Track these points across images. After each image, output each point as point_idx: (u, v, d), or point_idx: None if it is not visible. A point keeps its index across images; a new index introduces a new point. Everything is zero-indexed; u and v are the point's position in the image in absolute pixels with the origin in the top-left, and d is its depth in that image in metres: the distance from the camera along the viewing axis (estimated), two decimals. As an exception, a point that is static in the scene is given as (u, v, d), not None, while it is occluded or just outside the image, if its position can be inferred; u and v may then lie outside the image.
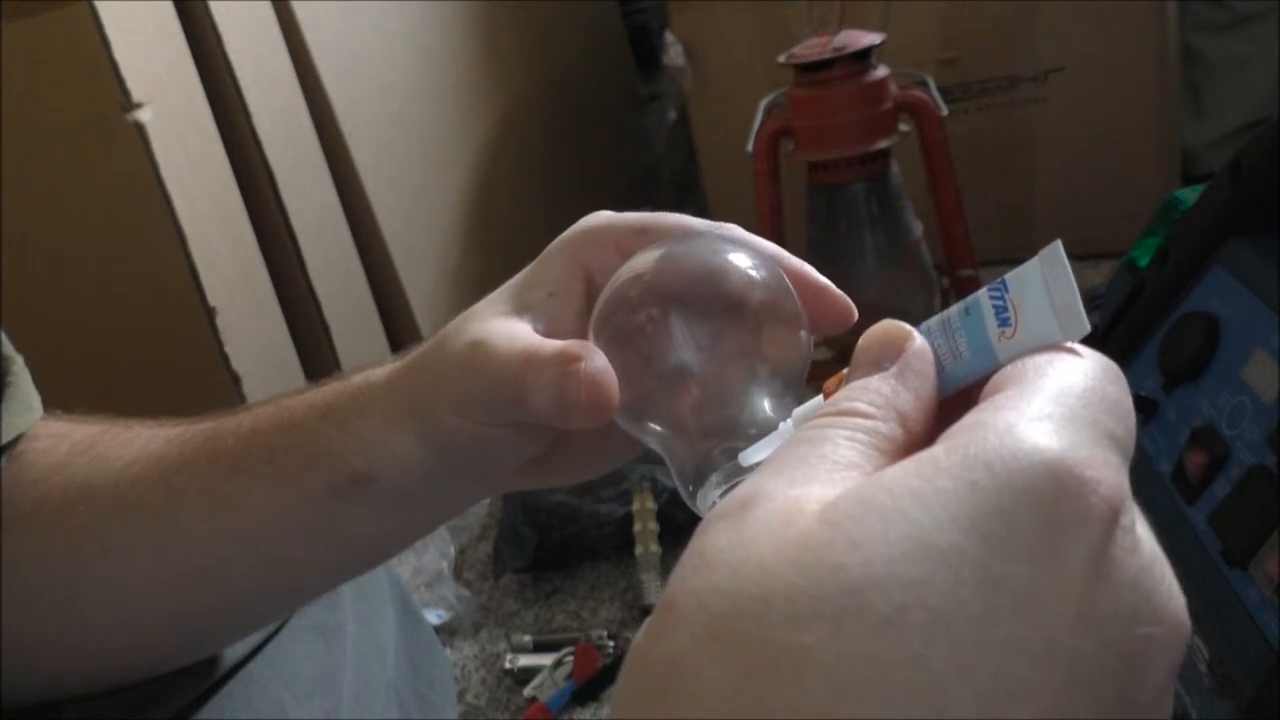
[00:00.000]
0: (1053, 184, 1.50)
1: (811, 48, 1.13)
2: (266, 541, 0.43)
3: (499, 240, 1.53)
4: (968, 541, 0.20)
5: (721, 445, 0.30)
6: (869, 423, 0.24)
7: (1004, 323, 0.25)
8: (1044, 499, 0.20)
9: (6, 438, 0.47)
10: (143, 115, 1.02)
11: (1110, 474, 0.21)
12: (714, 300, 0.32)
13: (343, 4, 1.30)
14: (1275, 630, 0.55)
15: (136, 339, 1.13)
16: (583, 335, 0.37)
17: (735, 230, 0.36)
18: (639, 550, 1.12)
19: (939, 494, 0.20)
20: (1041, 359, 0.24)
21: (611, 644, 1.07)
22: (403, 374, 0.40)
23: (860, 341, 0.27)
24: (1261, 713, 0.54)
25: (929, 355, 0.26)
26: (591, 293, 0.37)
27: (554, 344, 0.34)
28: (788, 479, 0.23)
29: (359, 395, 0.40)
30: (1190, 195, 0.97)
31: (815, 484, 0.22)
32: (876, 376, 0.25)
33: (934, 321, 0.27)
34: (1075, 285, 0.25)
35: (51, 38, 1.01)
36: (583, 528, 1.16)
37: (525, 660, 1.07)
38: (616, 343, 0.33)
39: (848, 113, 1.11)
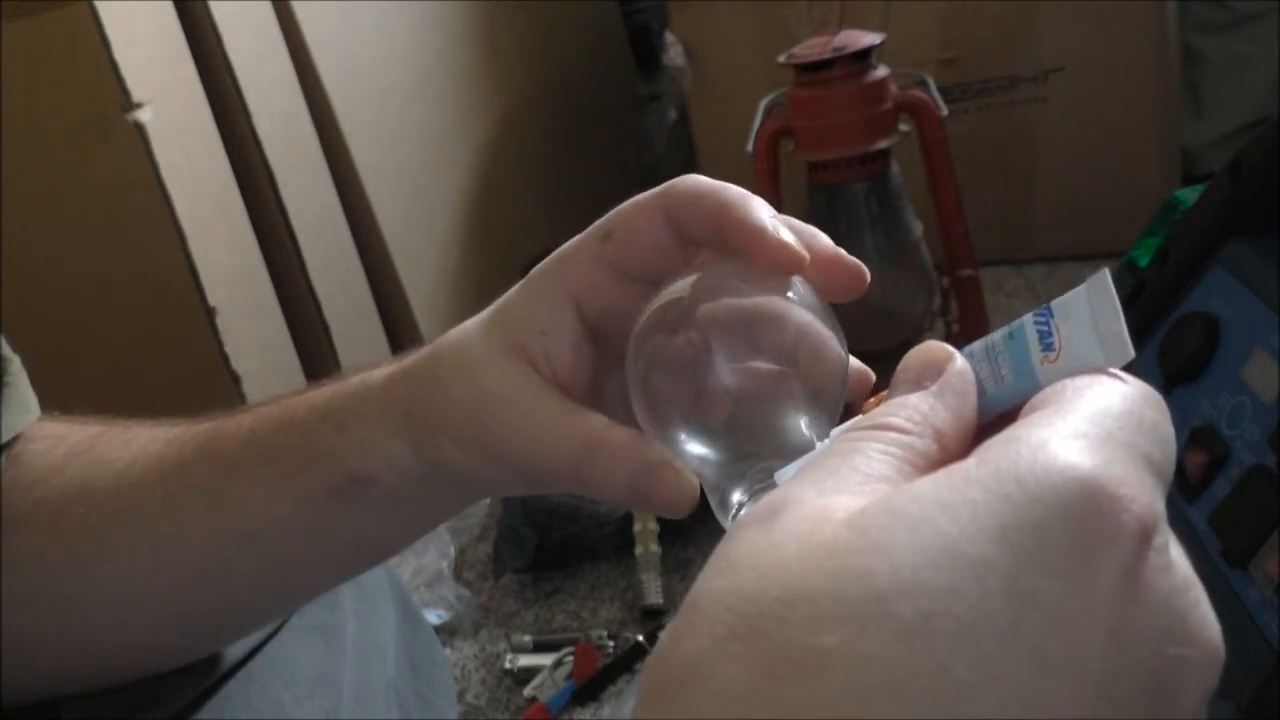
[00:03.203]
0: (1053, 184, 1.50)
1: (811, 48, 1.13)
2: (267, 541, 0.43)
3: (499, 240, 1.53)
4: (997, 553, 0.19)
5: (757, 465, 0.30)
6: (905, 438, 0.24)
7: (1048, 347, 0.26)
8: (1076, 514, 0.20)
9: (5, 438, 0.47)
10: (143, 115, 1.02)
11: (1144, 494, 0.21)
12: (752, 322, 0.32)
13: (343, 4, 1.30)
14: (1275, 630, 0.55)
15: (136, 339, 1.13)
16: (582, 369, 0.37)
17: (694, 181, 0.35)
18: (639, 550, 1.12)
19: (969, 505, 0.20)
20: (1081, 381, 0.24)
21: (611, 644, 1.07)
22: (399, 384, 0.39)
23: (902, 362, 0.27)
24: (1261, 713, 0.54)
25: (969, 376, 0.26)
26: (582, 320, 0.37)
27: (621, 434, 0.34)
28: (817, 488, 0.23)
29: (355, 397, 0.40)
30: (1190, 195, 0.97)
31: (845, 494, 0.22)
32: (915, 394, 0.25)
33: (976, 346, 0.27)
34: (1121, 312, 0.25)
35: (51, 38, 1.01)
36: (583, 528, 1.16)
37: (525, 660, 1.07)
38: (656, 364, 0.33)
39: (848, 113, 1.11)
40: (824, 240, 0.35)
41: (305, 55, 1.24)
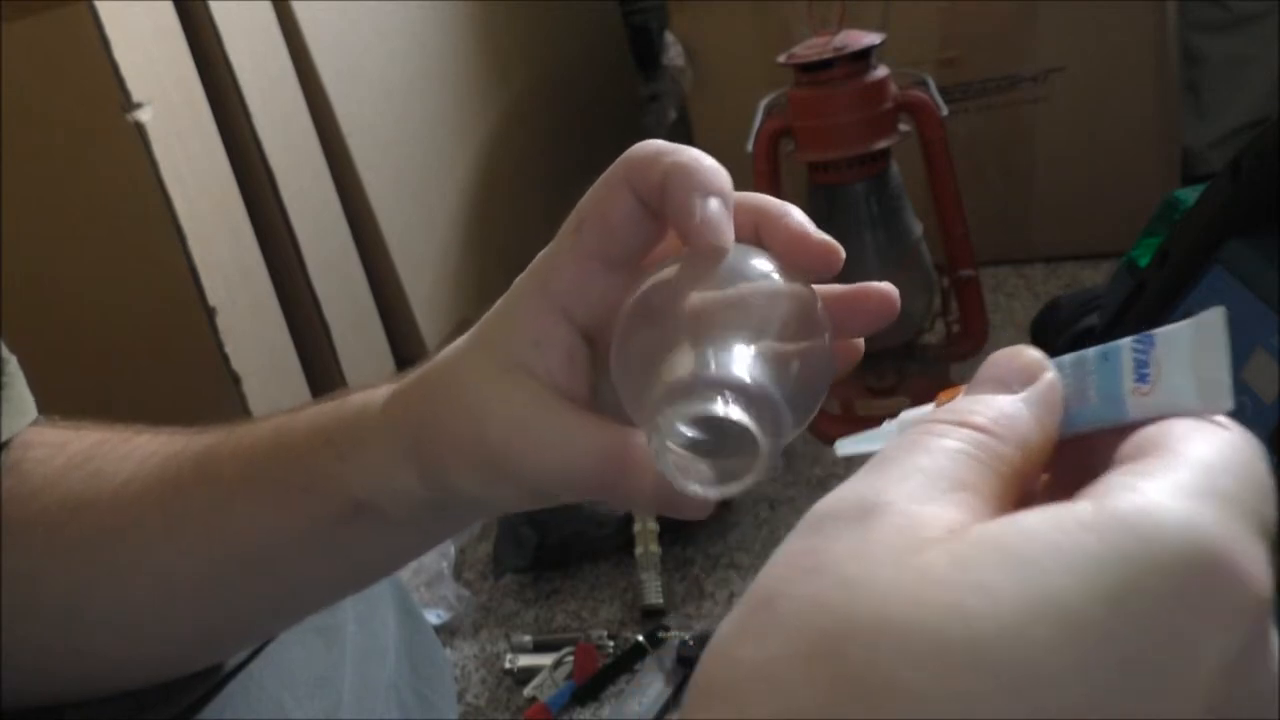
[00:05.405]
0: (1053, 184, 1.50)
1: (811, 48, 1.13)
2: (269, 562, 0.43)
3: (499, 240, 1.53)
4: (1108, 616, 0.19)
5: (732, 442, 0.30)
6: (991, 441, 0.23)
7: (1142, 379, 0.24)
8: (1194, 588, 0.19)
9: (2, 438, 0.47)
10: (143, 115, 1.02)
11: (1262, 569, 0.20)
12: (733, 305, 0.32)
13: (343, 4, 1.30)
14: (1275, 630, 0.55)
15: (136, 339, 1.13)
16: (578, 374, 0.36)
17: (645, 148, 0.35)
18: (639, 550, 1.12)
19: (1082, 554, 0.19)
20: (1188, 426, 0.22)
21: (611, 644, 1.07)
22: (400, 411, 0.39)
23: (988, 360, 0.25)
24: (1262, 713, 0.54)
25: (1060, 390, 0.25)
26: (572, 324, 0.36)
27: (640, 442, 0.33)
28: (906, 492, 0.21)
29: (356, 424, 0.40)
30: (1190, 195, 0.97)
31: (935, 504, 0.21)
32: (1003, 397, 0.24)
33: (1067, 359, 0.25)
34: (1227, 358, 0.23)
35: (51, 38, 1.01)
36: (583, 528, 1.16)
37: (525, 660, 1.07)
38: (640, 348, 0.33)
39: (848, 113, 1.11)
40: (792, 220, 0.34)
41: (305, 55, 1.24)
